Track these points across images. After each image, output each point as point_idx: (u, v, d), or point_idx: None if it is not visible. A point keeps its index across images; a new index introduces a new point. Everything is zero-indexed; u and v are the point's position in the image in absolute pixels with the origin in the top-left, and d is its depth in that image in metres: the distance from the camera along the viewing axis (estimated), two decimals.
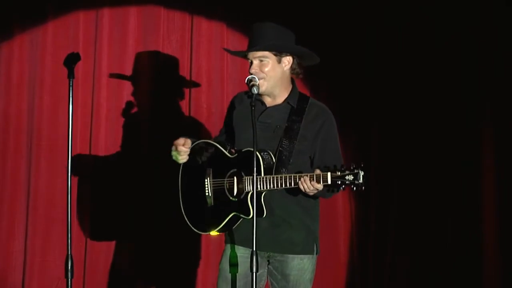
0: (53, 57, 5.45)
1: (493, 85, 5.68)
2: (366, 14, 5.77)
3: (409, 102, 5.76)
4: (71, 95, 3.63)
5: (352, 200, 5.81)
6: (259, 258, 3.64)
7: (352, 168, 3.61)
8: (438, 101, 5.75)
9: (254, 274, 3.57)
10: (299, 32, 4.02)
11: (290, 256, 3.91)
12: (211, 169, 3.94)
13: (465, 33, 5.71)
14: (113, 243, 5.51)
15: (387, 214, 5.79)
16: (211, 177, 3.94)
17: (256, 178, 3.69)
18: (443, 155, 5.74)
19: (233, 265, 3.90)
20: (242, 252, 3.91)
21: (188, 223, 4.01)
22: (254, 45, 3.86)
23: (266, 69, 3.86)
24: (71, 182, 3.66)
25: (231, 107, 4.12)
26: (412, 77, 5.76)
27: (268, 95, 3.94)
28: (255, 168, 3.61)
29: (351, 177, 3.60)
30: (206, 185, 3.94)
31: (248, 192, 3.78)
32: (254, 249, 3.56)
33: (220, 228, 3.90)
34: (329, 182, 3.62)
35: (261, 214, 3.77)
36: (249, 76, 3.82)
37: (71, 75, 3.65)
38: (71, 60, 3.66)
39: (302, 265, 3.93)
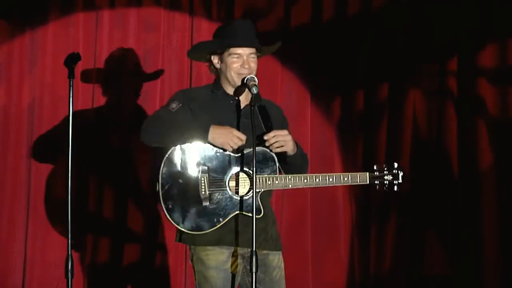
0: (53, 57, 5.46)
1: (493, 83, 5.69)
2: (365, 13, 5.78)
3: (409, 101, 5.76)
4: (71, 95, 3.64)
5: (353, 200, 5.80)
6: (239, 258, 3.70)
7: (387, 168, 3.86)
8: (438, 99, 5.75)
9: (254, 274, 3.55)
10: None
11: (272, 253, 3.88)
12: (207, 167, 3.80)
13: (464, 32, 5.73)
14: (113, 243, 5.51)
15: (387, 214, 5.78)
16: (207, 175, 3.79)
17: (272, 178, 3.78)
18: (443, 155, 5.73)
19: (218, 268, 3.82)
20: (227, 254, 3.81)
21: (172, 221, 3.79)
22: (256, 42, 3.85)
23: (254, 66, 3.86)
24: (71, 182, 3.66)
25: (187, 103, 3.90)
26: (411, 77, 5.77)
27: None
28: (254, 169, 3.60)
29: (390, 177, 3.85)
30: (202, 183, 3.79)
31: (257, 192, 3.73)
32: (254, 249, 3.53)
33: (219, 226, 3.79)
34: (368, 182, 3.83)
35: (259, 212, 3.78)
36: (249, 76, 3.78)
37: (71, 75, 3.66)
38: (71, 60, 3.66)
39: (281, 262, 3.93)
